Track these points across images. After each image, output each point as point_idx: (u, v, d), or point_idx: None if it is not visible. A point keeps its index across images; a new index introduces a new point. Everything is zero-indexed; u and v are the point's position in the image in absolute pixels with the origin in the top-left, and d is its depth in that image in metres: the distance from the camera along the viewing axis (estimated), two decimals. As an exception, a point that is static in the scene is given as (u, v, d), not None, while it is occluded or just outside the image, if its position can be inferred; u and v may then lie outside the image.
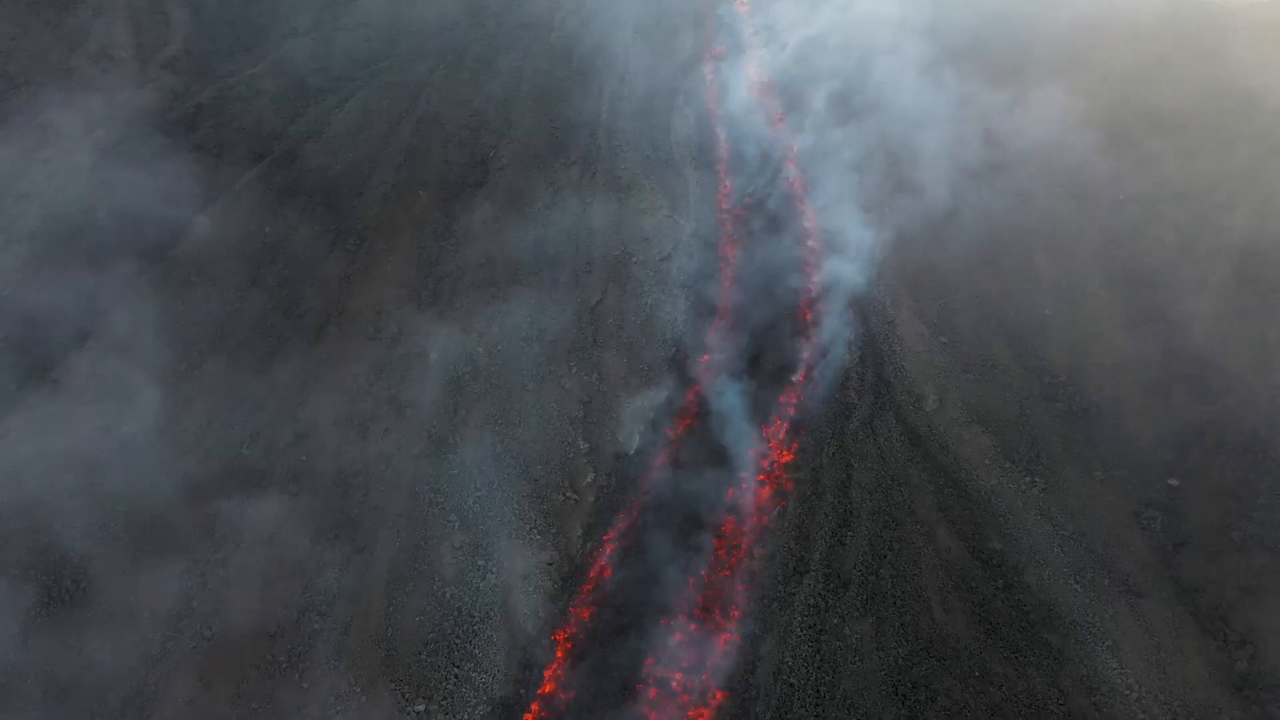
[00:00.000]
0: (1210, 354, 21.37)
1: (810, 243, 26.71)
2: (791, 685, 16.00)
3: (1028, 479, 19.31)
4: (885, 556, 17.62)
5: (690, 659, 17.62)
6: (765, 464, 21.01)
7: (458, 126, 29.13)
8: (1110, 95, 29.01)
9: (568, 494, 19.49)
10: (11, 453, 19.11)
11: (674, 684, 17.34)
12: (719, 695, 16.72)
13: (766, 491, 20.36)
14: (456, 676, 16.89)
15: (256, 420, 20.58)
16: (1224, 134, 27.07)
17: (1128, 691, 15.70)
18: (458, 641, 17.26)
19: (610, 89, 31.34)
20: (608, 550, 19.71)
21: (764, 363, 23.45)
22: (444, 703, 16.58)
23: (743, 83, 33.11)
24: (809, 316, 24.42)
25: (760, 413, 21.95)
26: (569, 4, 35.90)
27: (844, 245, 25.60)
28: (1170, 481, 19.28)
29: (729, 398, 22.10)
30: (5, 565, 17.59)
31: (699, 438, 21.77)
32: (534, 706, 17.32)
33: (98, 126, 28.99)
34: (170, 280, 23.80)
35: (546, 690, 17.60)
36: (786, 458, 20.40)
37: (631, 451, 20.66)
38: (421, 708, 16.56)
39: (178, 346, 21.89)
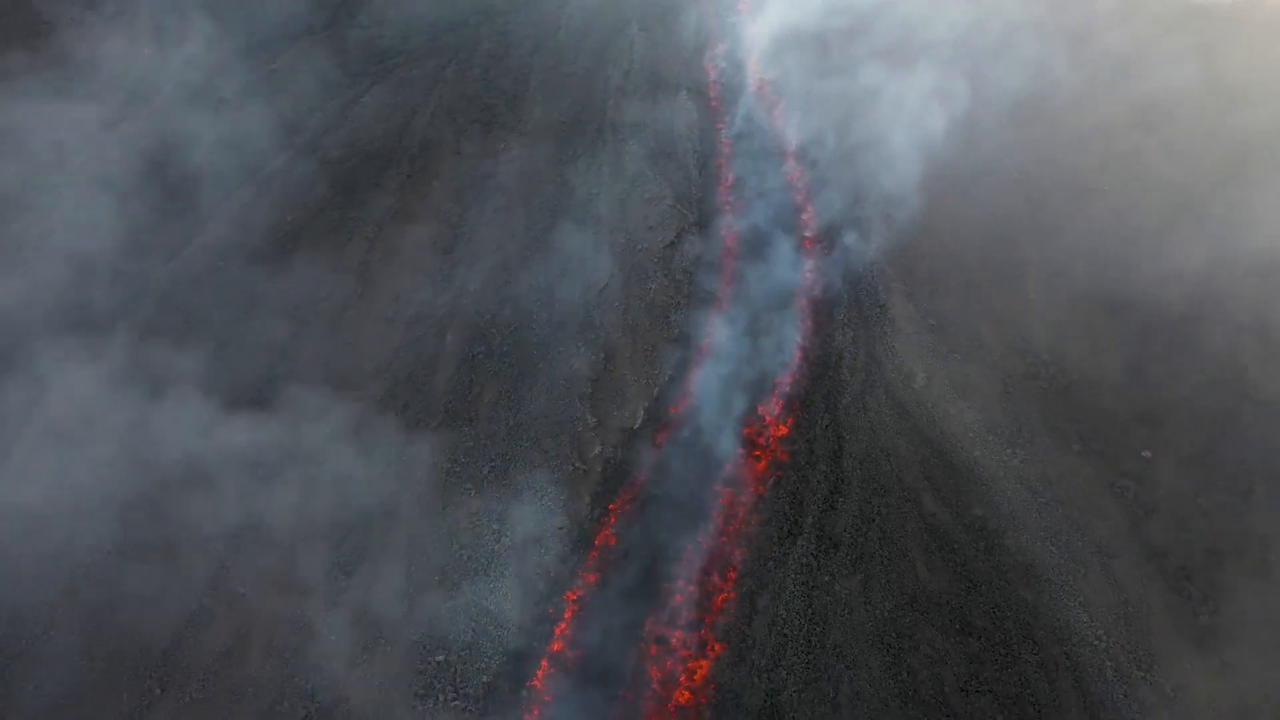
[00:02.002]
0: (1183, 336, 22.60)
1: (807, 233, 27.96)
2: (785, 636, 17.26)
3: (1009, 451, 20.54)
4: (874, 520, 18.87)
5: (690, 617, 18.91)
6: (761, 440, 22.26)
7: (469, 120, 30.39)
8: (1098, 87, 30.31)
9: (576, 464, 20.74)
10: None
11: (674, 640, 18.62)
12: (718, 647, 17.98)
13: (762, 465, 21.60)
14: (474, 630, 18.16)
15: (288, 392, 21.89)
16: (1206, 127, 28.30)
17: (1096, 642, 16.93)
18: (474, 598, 18.53)
19: (616, 84, 32.54)
20: (613, 520, 20.98)
21: (761, 345, 24.75)
22: (462, 653, 17.85)
23: (743, 76, 34.31)
24: (805, 303, 25.64)
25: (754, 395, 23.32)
26: (576, 2, 37.08)
27: (838, 240, 26.92)
28: (1143, 453, 20.50)
29: (726, 376, 23.42)
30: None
31: (696, 413, 23.11)
32: (544, 663, 18.58)
33: (123, 120, 30.30)
34: (192, 267, 25.18)
35: (555, 648, 18.87)
36: (782, 431, 21.64)
37: (637, 426, 21.89)
38: (441, 658, 17.83)
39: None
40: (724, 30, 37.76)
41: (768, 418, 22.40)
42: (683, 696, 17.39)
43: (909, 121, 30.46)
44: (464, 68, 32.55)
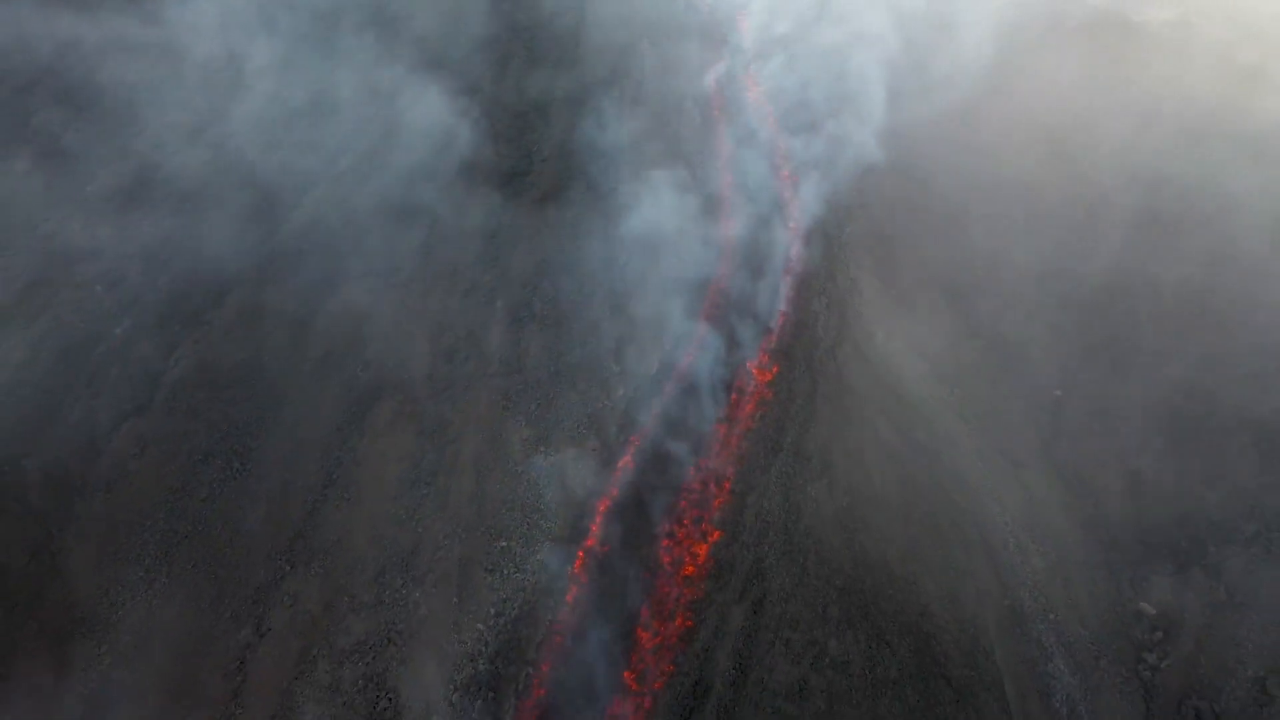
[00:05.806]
0: (1096, 300, 27.83)
1: (792, 224, 33.23)
2: (767, 523, 22.54)
3: (949, 390, 25.80)
4: (838, 441, 24.13)
5: (693, 515, 24.22)
6: (750, 388, 27.52)
7: (505, 126, 35.63)
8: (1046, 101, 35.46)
9: (605, 401, 26.03)
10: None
11: (680, 532, 23.93)
12: (715, 534, 23.28)
13: (751, 406, 26.87)
14: (528, 523, 23.46)
15: (369, 350, 27.20)
16: (1130, 125, 33.49)
17: (1004, 526, 22.21)
18: (529, 500, 23.84)
19: (630, 94, 37.75)
20: (632, 450, 26.25)
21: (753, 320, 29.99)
22: (520, 540, 23.16)
23: (741, 84, 39.55)
24: (789, 278, 30.90)
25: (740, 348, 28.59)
26: (592, 20, 42.25)
27: (820, 228, 32.18)
28: (1055, 392, 25.74)
29: (718, 345, 28.81)
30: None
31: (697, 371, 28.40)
32: (580, 554, 23.87)
33: (210, 126, 35.57)
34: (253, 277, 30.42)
35: (590, 544, 24.15)
36: (767, 377, 26.93)
37: (653, 372, 27.19)
38: (504, 544, 23.13)
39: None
40: (726, 43, 43.02)
41: (755, 368, 27.70)
42: (689, 569, 22.71)
43: (887, 129, 35.72)
44: (498, 80, 37.77)
